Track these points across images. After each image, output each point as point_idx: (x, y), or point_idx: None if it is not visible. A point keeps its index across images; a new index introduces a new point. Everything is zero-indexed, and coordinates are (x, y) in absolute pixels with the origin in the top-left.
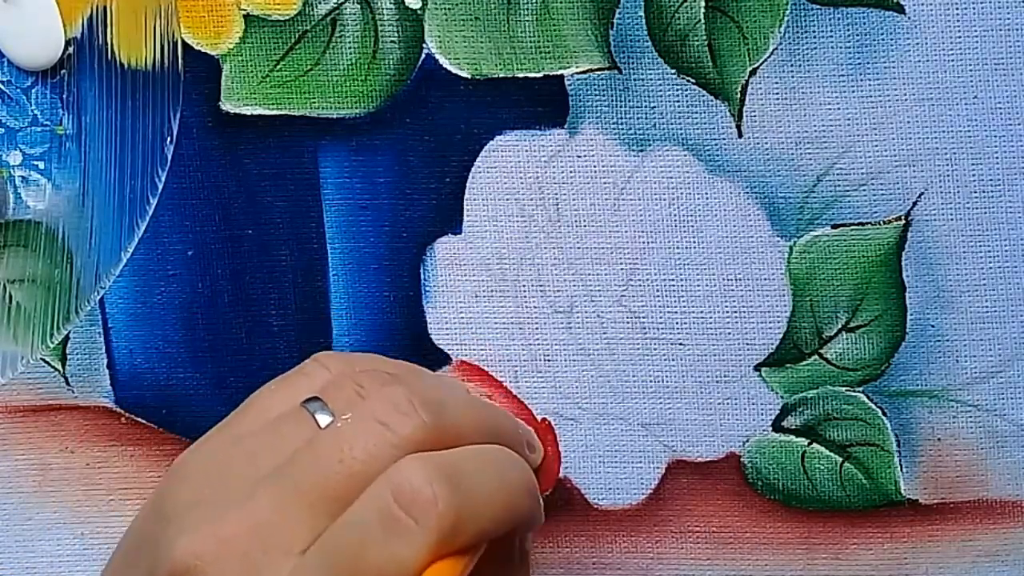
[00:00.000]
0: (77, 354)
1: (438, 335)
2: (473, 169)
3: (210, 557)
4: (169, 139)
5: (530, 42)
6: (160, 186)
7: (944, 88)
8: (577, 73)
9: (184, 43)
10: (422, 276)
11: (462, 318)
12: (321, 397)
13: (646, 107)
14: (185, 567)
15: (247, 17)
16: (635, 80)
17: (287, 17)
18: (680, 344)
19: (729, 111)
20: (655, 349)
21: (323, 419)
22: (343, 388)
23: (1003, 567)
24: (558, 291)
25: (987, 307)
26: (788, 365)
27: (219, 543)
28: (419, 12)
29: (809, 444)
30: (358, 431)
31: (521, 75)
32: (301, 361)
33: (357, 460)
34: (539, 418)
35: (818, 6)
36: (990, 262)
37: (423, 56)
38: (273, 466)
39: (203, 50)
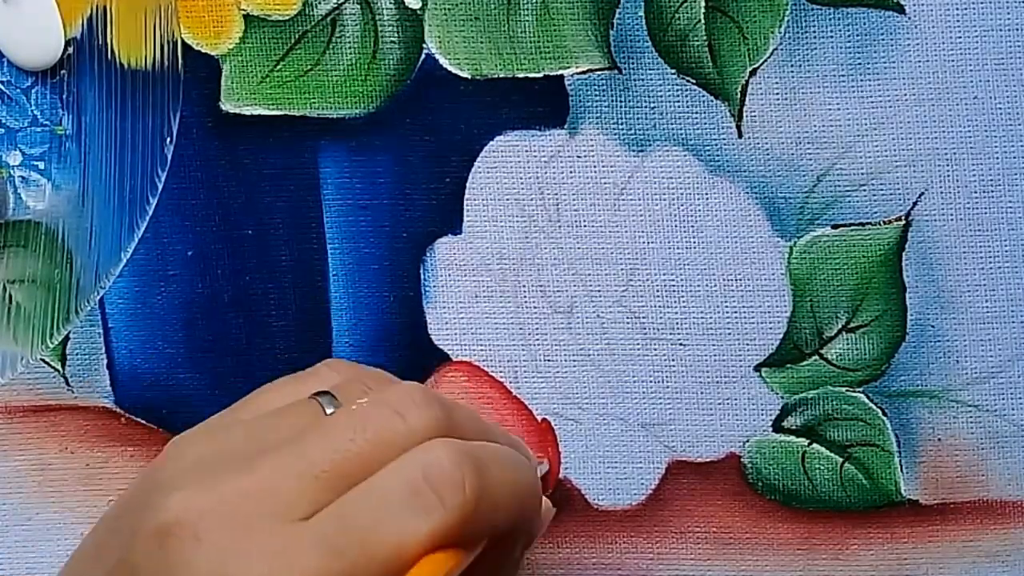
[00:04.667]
0: (77, 354)
1: (438, 335)
2: (473, 169)
3: (201, 513)
4: (169, 139)
5: (530, 42)
6: (160, 186)
7: (944, 88)
8: (577, 73)
9: (184, 43)
10: (422, 276)
11: (462, 318)
12: (332, 393)
13: (646, 107)
14: (175, 521)
15: (247, 17)
16: (635, 80)
17: (287, 17)
18: (680, 344)
19: (729, 111)
20: (655, 349)
21: (332, 411)
22: (353, 387)
23: (1003, 567)
24: (558, 291)
25: (987, 307)
26: (788, 365)
27: (213, 501)
28: (419, 12)
29: (809, 444)
30: (372, 415)
31: (521, 75)
32: (301, 361)
33: (368, 442)
34: (539, 418)
35: (818, 6)
36: (990, 262)
37: (423, 56)
38: (279, 441)
39: (203, 50)
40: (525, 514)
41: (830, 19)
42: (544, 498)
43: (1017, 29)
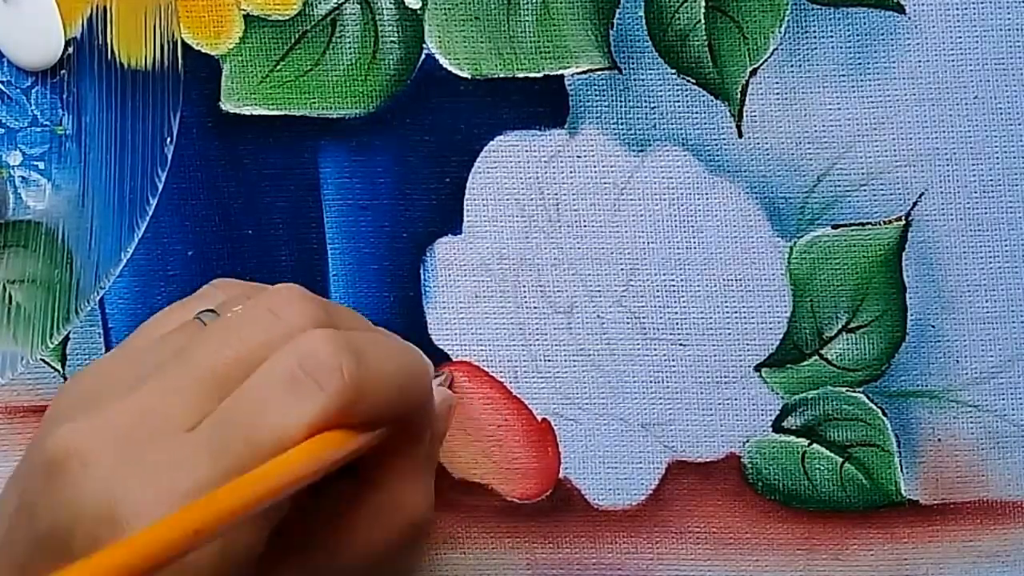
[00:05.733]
0: (77, 354)
1: (438, 335)
2: (473, 169)
3: (89, 441)
4: (169, 139)
5: (530, 42)
6: (160, 186)
7: (944, 88)
8: (577, 73)
9: (184, 43)
10: (422, 277)
11: (462, 319)
12: (215, 310)
13: (646, 107)
14: (62, 451)
15: (247, 17)
16: (635, 80)
17: (287, 17)
18: (680, 344)
19: (729, 111)
20: (655, 349)
21: None
22: (237, 301)
23: (1004, 568)
24: (558, 291)
25: (987, 307)
26: (788, 365)
27: (99, 428)
28: (419, 12)
29: (809, 444)
30: (247, 318)
31: (521, 75)
32: None
33: (245, 344)
34: (539, 418)
35: (818, 6)
36: (990, 262)
37: (423, 56)
38: (161, 362)
39: (203, 50)
40: (412, 399)
41: (830, 19)
42: (445, 389)
43: (1017, 29)
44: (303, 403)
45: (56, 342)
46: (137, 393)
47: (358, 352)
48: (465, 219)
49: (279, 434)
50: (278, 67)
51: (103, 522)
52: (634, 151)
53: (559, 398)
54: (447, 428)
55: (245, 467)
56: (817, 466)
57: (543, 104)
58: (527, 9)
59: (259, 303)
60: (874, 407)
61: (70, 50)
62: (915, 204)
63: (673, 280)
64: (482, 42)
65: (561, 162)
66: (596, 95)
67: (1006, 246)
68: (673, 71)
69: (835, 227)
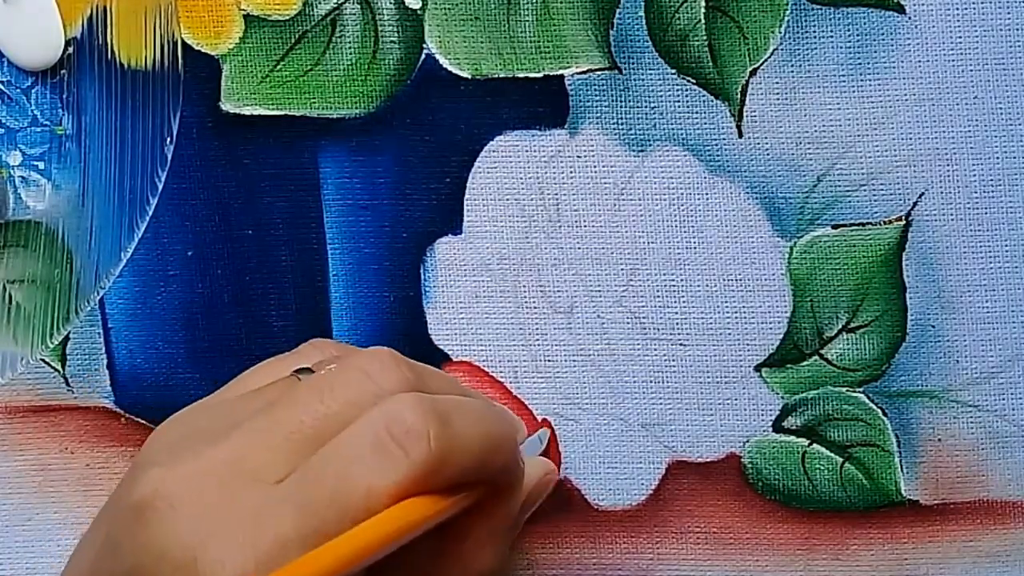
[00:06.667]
0: (77, 354)
1: (438, 335)
2: (473, 169)
3: (178, 486)
4: (169, 139)
5: (530, 42)
6: (160, 186)
7: (944, 88)
8: (577, 73)
9: (184, 43)
10: (422, 277)
11: (462, 319)
12: (312, 369)
13: (646, 107)
14: (151, 493)
15: (247, 17)
16: (635, 80)
17: (287, 17)
18: (680, 344)
19: (729, 111)
20: (655, 349)
21: None
22: (333, 362)
23: (1004, 568)
24: (558, 291)
25: (987, 307)
26: (788, 365)
27: (188, 474)
28: (419, 12)
29: (809, 445)
30: (339, 377)
31: (521, 75)
32: None
33: (336, 402)
34: (539, 418)
35: (818, 6)
36: (990, 262)
37: (423, 56)
38: (252, 413)
39: (203, 50)
40: (497, 463)
41: (830, 19)
42: (547, 460)
43: (1017, 29)
44: (389, 468)
45: (56, 342)
46: (227, 442)
47: (444, 418)
48: (465, 219)
49: (364, 496)
50: (278, 67)
51: (184, 568)
52: (634, 151)
53: (559, 398)
54: (540, 498)
55: (328, 525)
56: (817, 466)
57: (543, 104)
58: (527, 9)
59: (352, 364)
60: (874, 407)
61: (70, 50)
62: (915, 204)
63: (673, 280)
64: (482, 42)
65: (561, 162)
66: (596, 95)
67: (1006, 246)
68: (673, 71)
69: (835, 227)
